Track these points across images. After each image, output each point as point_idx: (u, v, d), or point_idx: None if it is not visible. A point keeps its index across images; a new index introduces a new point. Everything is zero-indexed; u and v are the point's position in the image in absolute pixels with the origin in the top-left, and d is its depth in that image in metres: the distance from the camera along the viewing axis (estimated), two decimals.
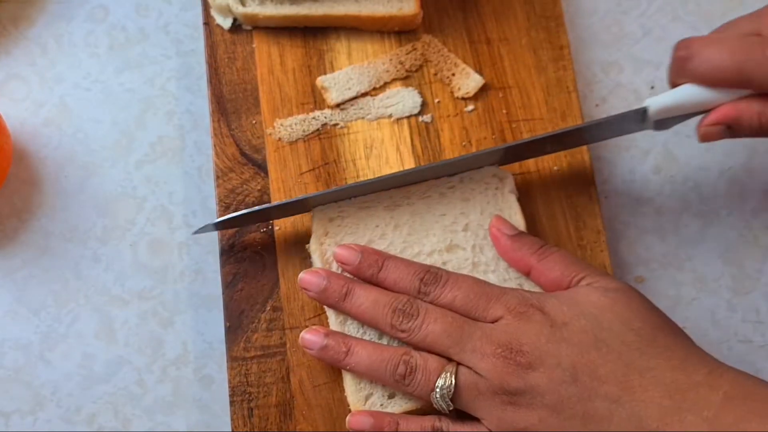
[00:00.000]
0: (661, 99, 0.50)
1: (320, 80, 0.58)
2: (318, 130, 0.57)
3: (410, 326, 0.48)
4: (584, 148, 0.57)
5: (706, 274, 0.58)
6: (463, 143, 0.57)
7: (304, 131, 0.57)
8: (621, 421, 0.43)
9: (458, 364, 0.47)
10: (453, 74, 0.58)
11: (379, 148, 0.57)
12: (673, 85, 0.50)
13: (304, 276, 0.51)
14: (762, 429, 0.41)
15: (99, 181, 0.60)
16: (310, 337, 0.50)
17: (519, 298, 0.48)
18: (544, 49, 0.59)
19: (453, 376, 0.46)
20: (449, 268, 0.52)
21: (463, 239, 0.53)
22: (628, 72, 0.62)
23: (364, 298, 0.49)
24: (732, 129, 0.48)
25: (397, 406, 0.50)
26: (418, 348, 0.48)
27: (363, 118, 0.58)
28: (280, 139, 0.57)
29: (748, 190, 0.60)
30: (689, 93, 0.49)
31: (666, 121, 0.51)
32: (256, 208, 0.53)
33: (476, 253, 0.52)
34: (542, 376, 0.45)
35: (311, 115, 0.58)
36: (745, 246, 0.59)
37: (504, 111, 0.58)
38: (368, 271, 0.50)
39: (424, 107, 0.58)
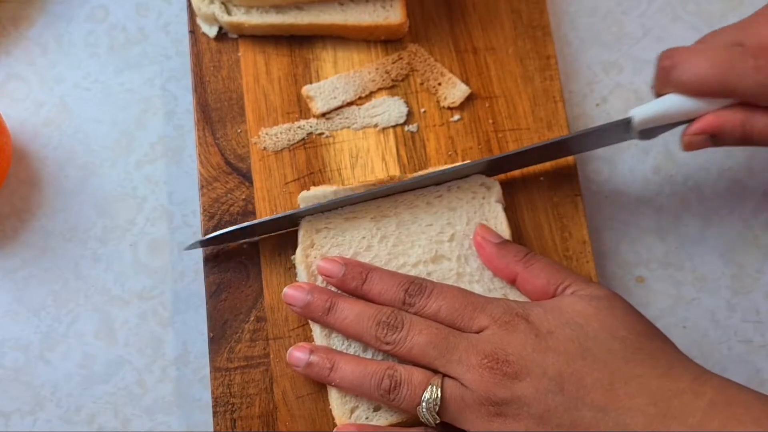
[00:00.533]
0: (645, 109, 0.51)
1: (306, 89, 0.58)
2: (303, 139, 0.57)
3: (395, 338, 0.48)
4: (571, 158, 0.57)
5: (706, 274, 0.58)
6: (449, 153, 0.57)
7: (289, 140, 0.57)
8: (608, 430, 0.43)
9: (444, 376, 0.47)
10: (439, 84, 0.58)
11: (365, 158, 0.57)
12: (658, 94, 0.51)
13: (288, 291, 0.51)
14: None
15: (99, 181, 0.60)
16: (297, 354, 0.50)
17: (504, 308, 0.47)
18: (530, 59, 0.59)
19: (439, 389, 0.46)
20: (434, 278, 0.52)
21: (449, 250, 0.53)
22: (628, 72, 0.62)
23: (348, 311, 0.49)
24: (715, 138, 0.49)
25: (383, 419, 0.49)
26: (403, 360, 0.48)
27: (349, 127, 0.58)
28: (265, 148, 0.57)
29: (748, 190, 0.60)
30: (673, 103, 0.50)
31: (651, 130, 0.52)
32: (244, 224, 0.53)
33: (461, 264, 0.52)
34: (528, 386, 0.45)
35: (297, 124, 0.58)
36: (745, 246, 0.59)
37: (490, 121, 0.58)
38: (352, 283, 0.50)
39: (410, 117, 0.58)
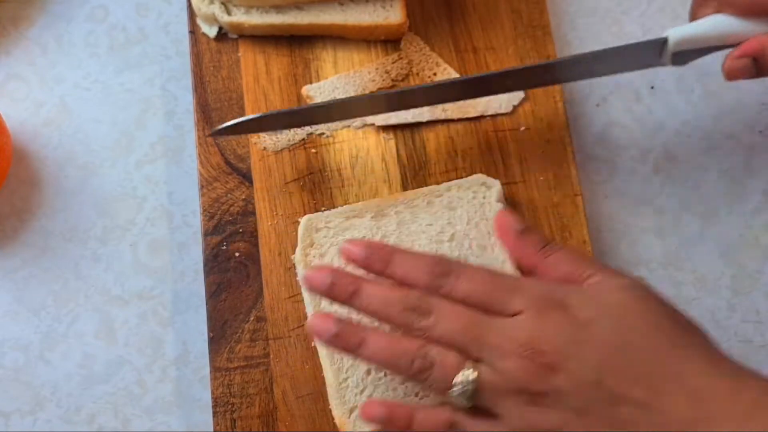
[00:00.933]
0: (684, 29, 0.49)
1: (306, 89, 0.58)
2: (303, 139, 0.57)
3: (424, 325, 0.45)
4: (570, 160, 0.56)
5: (706, 274, 0.58)
6: (449, 153, 0.57)
7: (289, 140, 0.57)
8: (646, 429, 0.42)
9: (477, 360, 0.44)
10: (434, 74, 0.58)
11: (365, 158, 0.57)
12: (695, 17, 0.50)
13: (308, 273, 0.47)
14: None
15: (99, 181, 0.60)
16: (319, 323, 0.46)
17: (540, 291, 0.45)
18: (530, 59, 0.59)
19: (475, 373, 0.44)
20: None
21: (449, 249, 0.53)
22: (628, 72, 0.62)
23: (373, 296, 0.46)
24: (759, 63, 0.47)
25: None
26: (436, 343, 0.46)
27: (349, 127, 0.58)
28: (265, 148, 0.57)
29: (748, 190, 0.60)
30: (714, 23, 0.48)
31: (685, 54, 0.49)
32: (257, 115, 0.53)
33: None
34: (566, 378, 0.42)
35: None
36: (745, 246, 0.59)
37: (490, 120, 0.58)
38: (376, 265, 0.47)
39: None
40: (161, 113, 0.61)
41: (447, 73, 0.58)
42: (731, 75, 0.48)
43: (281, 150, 0.57)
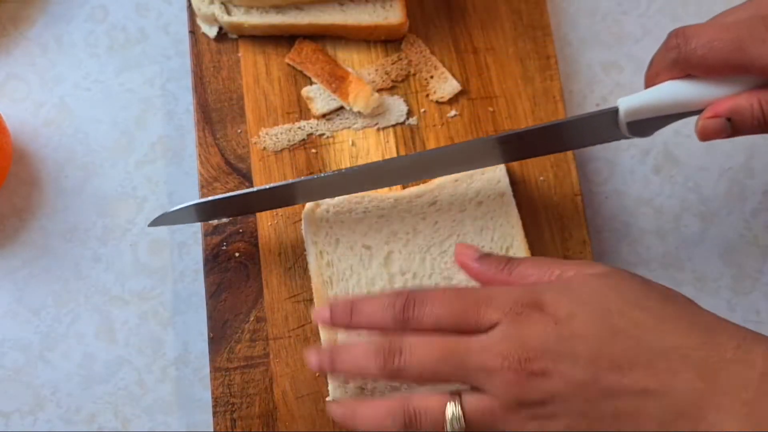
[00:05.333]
0: (635, 98, 0.46)
1: (305, 90, 0.58)
2: (304, 139, 0.57)
3: (398, 365, 0.43)
4: (571, 158, 0.57)
5: (706, 274, 0.58)
6: None
7: (289, 141, 0.57)
8: (654, 413, 0.39)
9: (461, 392, 0.43)
10: (431, 76, 0.58)
11: (365, 158, 0.57)
12: (653, 82, 0.47)
13: (306, 356, 0.47)
14: None
15: (99, 181, 0.60)
16: (333, 408, 0.46)
17: (511, 298, 0.43)
18: (530, 59, 0.59)
19: (458, 406, 0.42)
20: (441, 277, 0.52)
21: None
22: (628, 72, 0.62)
23: (345, 354, 0.46)
24: (733, 123, 0.44)
25: None
26: (421, 385, 0.46)
27: (349, 127, 0.58)
28: (265, 148, 0.57)
29: (748, 190, 0.60)
30: (669, 90, 0.46)
31: (642, 124, 0.47)
32: (240, 192, 0.52)
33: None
34: (559, 381, 0.40)
35: (297, 124, 0.58)
36: (745, 246, 0.59)
37: (490, 121, 0.58)
38: (342, 321, 0.47)
39: (409, 117, 0.58)
40: (161, 113, 0.61)
41: (443, 77, 0.58)
42: (705, 136, 0.45)
43: (281, 150, 0.57)
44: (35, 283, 0.58)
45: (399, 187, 0.55)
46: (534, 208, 0.56)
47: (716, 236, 0.59)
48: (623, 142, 0.60)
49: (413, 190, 0.55)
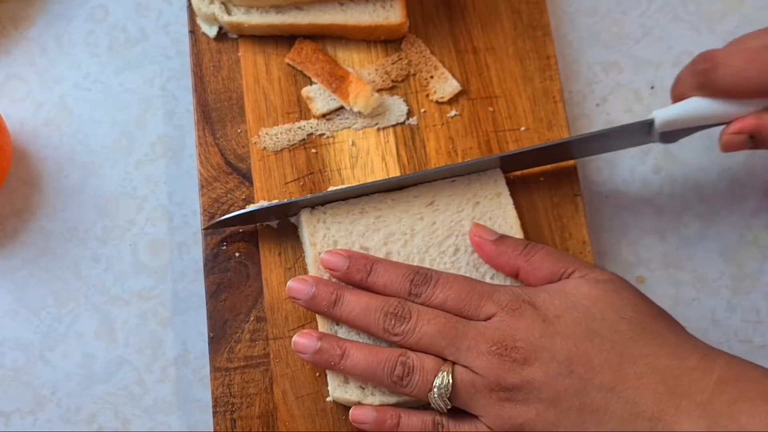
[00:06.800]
0: (669, 111, 0.51)
1: (305, 90, 0.58)
2: (304, 139, 0.57)
3: (403, 329, 0.48)
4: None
5: (706, 274, 0.58)
6: (449, 153, 0.57)
7: (289, 140, 0.57)
8: (617, 410, 0.44)
9: (454, 363, 0.47)
10: (431, 76, 0.58)
11: (365, 158, 0.57)
12: (680, 97, 0.51)
13: (291, 284, 0.51)
14: (754, 410, 0.42)
15: (99, 181, 0.60)
16: (302, 340, 0.50)
17: (510, 295, 0.48)
18: (530, 59, 0.59)
19: (450, 376, 0.47)
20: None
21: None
22: (628, 72, 0.62)
23: (354, 303, 0.49)
24: (755, 139, 0.49)
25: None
26: (413, 350, 0.48)
27: (349, 127, 0.58)
28: (265, 148, 0.57)
29: (748, 190, 0.60)
30: (699, 105, 0.50)
31: (672, 133, 0.52)
32: (246, 210, 0.53)
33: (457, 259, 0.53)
34: (538, 370, 0.45)
35: (297, 124, 0.57)
36: (745, 246, 0.59)
37: (490, 121, 0.58)
38: (357, 275, 0.50)
39: (409, 117, 0.58)
40: (161, 113, 0.61)
41: (443, 77, 0.58)
42: (728, 149, 0.50)
43: (281, 150, 0.57)
44: (35, 283, 0.58)
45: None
46: (534, 208, 0.56)
47: (716, 236, 0.59)
48: None
49: (411, 190, 0.55)
